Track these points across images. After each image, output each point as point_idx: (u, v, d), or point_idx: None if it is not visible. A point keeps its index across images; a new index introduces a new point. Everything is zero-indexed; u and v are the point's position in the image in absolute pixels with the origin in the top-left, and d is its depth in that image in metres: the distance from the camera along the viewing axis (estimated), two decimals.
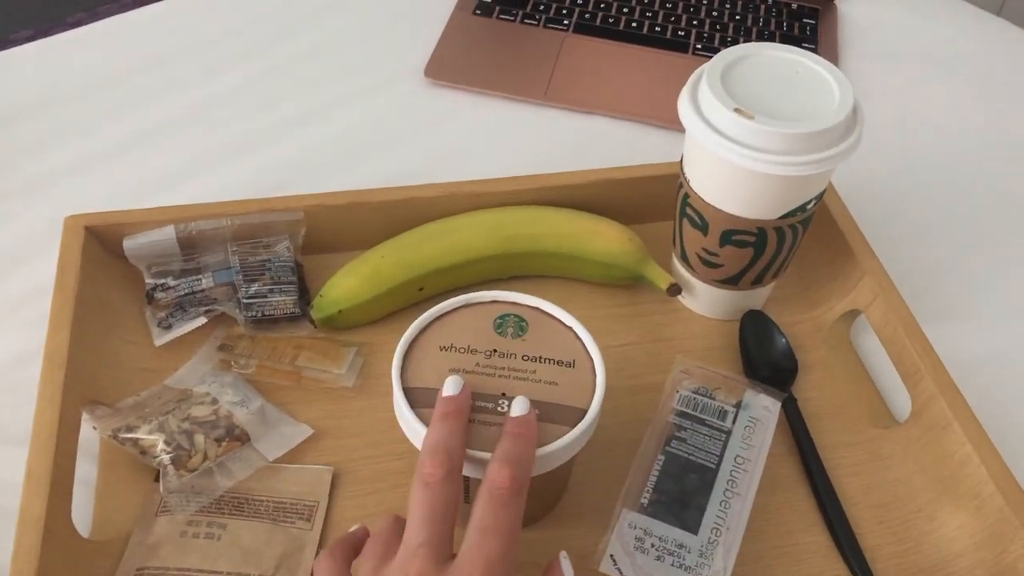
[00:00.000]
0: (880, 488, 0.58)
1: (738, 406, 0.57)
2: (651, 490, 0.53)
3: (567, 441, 0.47)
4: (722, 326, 0.66)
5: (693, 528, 0.51)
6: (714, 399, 0.57)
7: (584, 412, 0.48)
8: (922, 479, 0.58)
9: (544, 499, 0.55)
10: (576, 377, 0.50)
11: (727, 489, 0.53)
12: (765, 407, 0.57)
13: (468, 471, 0.46)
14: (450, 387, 0.47)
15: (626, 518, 0.52)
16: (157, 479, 0.54)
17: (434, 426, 0.45)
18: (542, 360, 0.50)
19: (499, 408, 0.48)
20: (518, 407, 0.46)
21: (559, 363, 0.50)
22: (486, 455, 0.45)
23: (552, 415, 0.48)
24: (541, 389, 0.49)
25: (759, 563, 0.54)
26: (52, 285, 0.60)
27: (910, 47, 0.94)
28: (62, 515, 0.51)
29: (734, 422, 0.56)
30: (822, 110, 0.55)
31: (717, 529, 0.52)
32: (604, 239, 0.65)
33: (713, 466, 0.54)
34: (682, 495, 0.53)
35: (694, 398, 0.57)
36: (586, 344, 0.51)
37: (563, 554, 0.45)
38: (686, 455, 0.54)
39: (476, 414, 0.47)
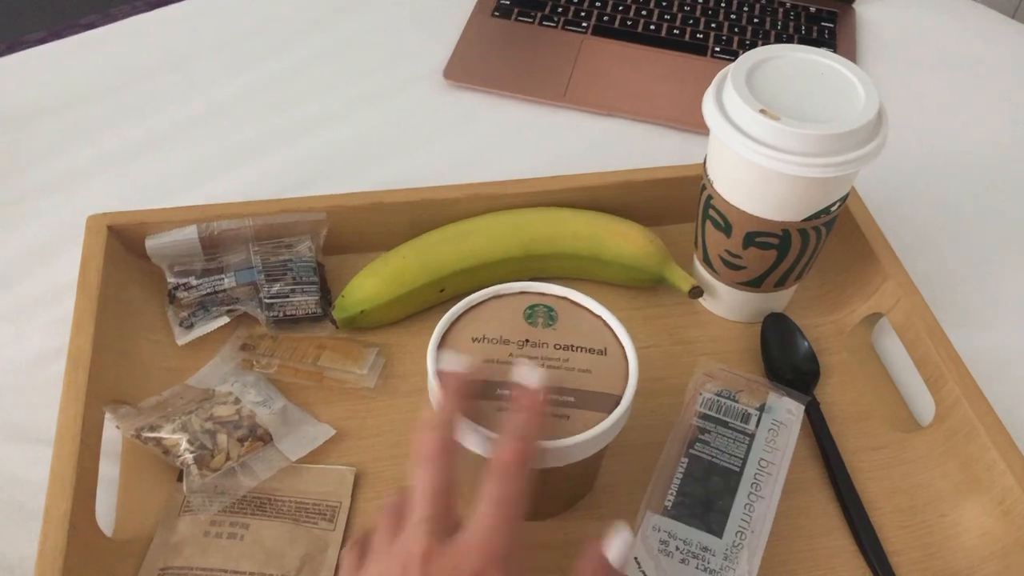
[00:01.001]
0: (903, 493, 0.57)
1: (761, 409, 0.56)
2: (675, 493, 0.53)
3: (604, 428, 0.47)
4: (744, 329, 0.66)
5: (718, 531, 0.51)
6: (737, 402, 0.56)
7: (619, 399, 0.49)
8: (946, 484, 0.57)
9: (577, 487, 0.55)
10: (608, 364, 0.50)
11: (751, 492, 0.53)
12: (788, 410, 0.57)
13: None
14: (450, 363, 0.48)
15: (650, 521, 0.52)
16: (180, 479, 0.54)
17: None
18: (574, 348, 0.51)
19: None
20: (527, 374, 0.47)
21: (591, 351, 0.51)
22: None
23: (587, 402, 0.48)
24: (575, 377, 0.49)
25: (782, 567, 0.54)
26: (73, 284, 0.60)
27: (928, 51, 0.94)
28: (86, 514, 0.51)
29: (758, 425, 0.56)
30: (847, 112, 0.54)
31: (742, 532, 0.52)
32: (625, 241, 0.65)
33: (737, 469, 0.54)
34: (706, 498, 0.53)
35: (717, 400, 0.56)
36: (616, 332, 0.52)
37: (621, 527, 0.44)
38: (710, 458, 0.54)
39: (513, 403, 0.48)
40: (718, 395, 0.57)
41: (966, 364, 0.58)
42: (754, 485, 0.53)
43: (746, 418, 0.56)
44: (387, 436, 0.58)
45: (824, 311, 0.67)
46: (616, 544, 0.43)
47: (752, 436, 0.55)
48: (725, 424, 0.55)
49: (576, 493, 0.56)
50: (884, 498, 0.57)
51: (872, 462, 0.59)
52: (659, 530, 0.51)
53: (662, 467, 0.55)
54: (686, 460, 0.54)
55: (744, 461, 0.54)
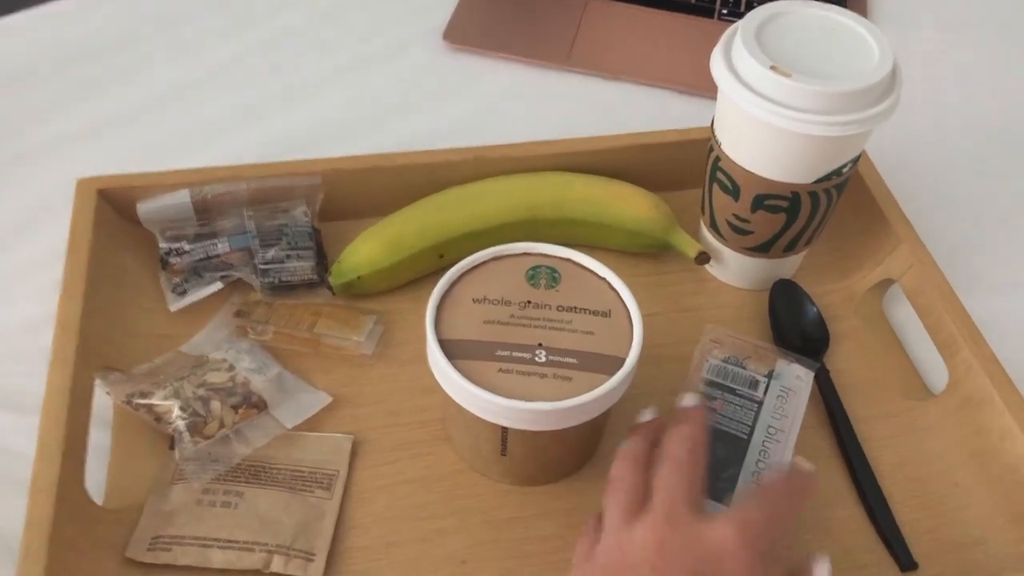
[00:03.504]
0: (915, 462, 0.56)
1: (770, 376, 0.55)
2: None
3: (607, 389, 0.46)
4: (751, 296, 0.64)
5: (724, 499, 0.50)
6: (745, 368, 0.55)
7: (623, 361, 0.48)
8: (959, 453, 0.56)
9: (581, 452, 0.54)
10: (613, 326, 0.49)
11: (759, 460, 0.51)
12: (798, 376, 0.55)
13: (504, 419, 0.46)
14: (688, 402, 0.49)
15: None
16: (172, 446, 0.52)
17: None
18: (577, 310, 0.50)
19: (536, 358, 0.47)
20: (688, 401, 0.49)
21: (594, 313, 0.50)
22: (525, 404, 0.45)
23: (591, 364, 0.47)
24: (578, 339, 0.48)
25: (792, 537, 0.52)
26: (64, 250, 0.58)
27: (942, 9, 0.91)
28: (75, 483, 0.49)
29: (766, 392, 0.54)
30: (861, 69, 0.52)
31: None
32: (631, 206, 0.63)
33: (745, 436, 0.52)
34: (714, 466, 0.51)
35: (724, 367, 0.55)
36: (620, 293, 0.51)
37: (822, 560, 0.43)
38: (717, 425, 0.53)
39: (513, 364, 0.47)
40: (725, 361, 0.55)
41: (980, 330, 0.57)
42: (762, 452, 0.52)
43: (754, 384, 0.54)
44: (385, 404, 0.57)
45: (834, 277, 0.65)
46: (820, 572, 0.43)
47: (760, 403, 0.53)
48: (733, 391, 0.54)
49: (579, 458, 0.54)
50: (895, 467, 0.56)
51: (883, 430, 0.57)
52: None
53: None
54: None
55: (752, 428, 0.53)
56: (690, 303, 0.64)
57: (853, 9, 0.88)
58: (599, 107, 0.79)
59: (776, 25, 0.55)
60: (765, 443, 0.52)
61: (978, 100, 0.82)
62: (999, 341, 0.58)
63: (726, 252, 0.63)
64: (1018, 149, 0.78)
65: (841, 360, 0.61)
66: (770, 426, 0.53)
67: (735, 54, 0.54)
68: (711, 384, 0.54)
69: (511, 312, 0.50)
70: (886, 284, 0.64)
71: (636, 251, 0.65)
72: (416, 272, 0.63)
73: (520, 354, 0.48)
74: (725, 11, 0.87)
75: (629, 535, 0.42)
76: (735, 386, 0.54)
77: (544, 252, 0.53)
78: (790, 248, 0.61)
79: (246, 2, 0.87)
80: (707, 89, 0.77)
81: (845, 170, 0.56)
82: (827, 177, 0.56)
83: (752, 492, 0.45)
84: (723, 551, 0.40)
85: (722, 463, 0.51)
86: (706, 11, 0.87)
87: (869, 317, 0.63)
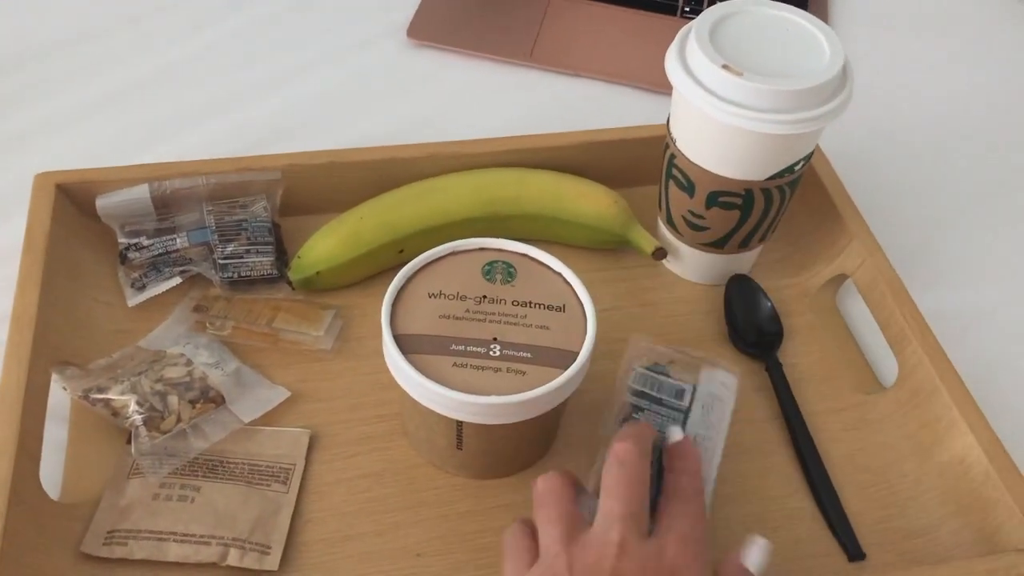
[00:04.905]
0: (865, 453, 0.57)
1: (695, 383, 0.53)
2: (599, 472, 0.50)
3: (560, 382, 0.47)
4: (708, 291, 0.65)
5: (650, 510, 0.47)
6: (669, 376, 0.53)
7: (576, 355, 0.48)
8: (909, 444, 0.57)
9: (538, 444, 0.55)
10: (567, 321, 0.50)
11: None
12: (722, 383, 0.53)
13: (459, 413, 0.47)
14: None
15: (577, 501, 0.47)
16: (129, 441, 0.52)
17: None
18: (532, 305, 0.50)
19: (491, 352, 0.48)
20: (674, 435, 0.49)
21: (549, 307, 0.50)
22: (479, 398, 0.46)
23: (545, 358, 0.48)
24: (532, 333, 0.49)
25: (741, 528, 0.53)
26: (20, 246, 0.58)
27: (900, 9, 0.93)
28: (30, 478, 0.49)
29: (692, 400, 0.53)
30: (811, 67, 0.53)
31: None
32: (589, 201, 0.64)
33: None
34: None
35: (649, 376, 0.53)
36: (575, 288, 0.51)
37: (757, 536, 0.45)
38: None
39: (467, 359, 0.48)
40: (649, 369, 0.54)
41: (930, 325, 0.58)
42: None
43: (680, 394, 0.53)
44: (344, 399, 0.57)
45: (789, 273, 0.66)
46: (754, 552, 0.44)
47: (686, 412, 0.52)
48: (659, 401, 0.52)
49: (535, 451, 0.55)
50: (846, 459, 0.57)
51: (835, 423, 0.58)
52: (586, 509, 0.46)
53: (598, 445, 0.51)
54: None
55: None
56: (648, 298, 0.65)
57: (814, 7, 0.90)
58: (562, 103, 0.80)
59: (729, 24, 0.56)
60: None
61: (933, 98, 0.84)
62: (949, 335, 0.59)
63: (682, 248, 0.64)
64: (970, 146, 0.79)
65: (795, 354, 0.62)
66: (696, 434, 0.51)
67: (689, 53, 0.55)
68: (637, 394, 0.53)
69: (466, 307, 0.50)
70: (840, 279, 0.65)
71: (594, 247, 0.66)
72: (375, 267, 0.63)
73: (475, 348, 0.48)
74: (688, 9, 0.88)
75: (577, 557, 0.41)
76: (661, 395, 0.52)
77: (500, 247, 0.53)
78: (745, 244, 0.62)
79: None
80: (666, 86, 0.77)
81: (798, 167, 0.57)
82: (780, 174, 0.56)
83: (673, 498, 0.45)
84: (676, 567, 0.41)
85: (652, 475, 0.49)
86: (669, 8, 0.88)
87: (823, 312, 0.64)
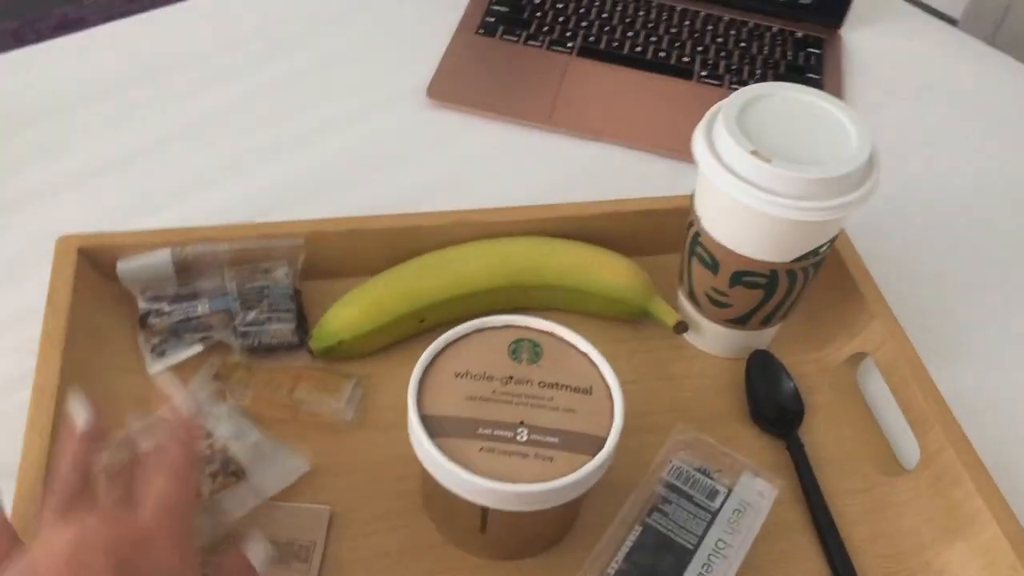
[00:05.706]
0: (888, 537, 0.57)
1: (731, 488, 0.53)
2: (621, 560, 0.50)
3: (588, 471, 0.47)
4: (728, 364, 0.65)
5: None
6: (710, 477, 0.54)
7: (603, 440, 0.48)
8: (931, 530, 0.57)
9: (563, 523, 0.54)
10: (594, 404, 0.50)
11: (701, 573, 0.50)
12: (759, 492, 0.54)
13: (486, 499, 0.46)
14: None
15: None
16: None
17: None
18: (559, 387, 0.50)
19: (518, 437, 0.48)
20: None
21: (576, 389, 0.50)
22: (507, 486, 0.45)
23: (572, 444, 0.48)
24: (559, 417, 0.49)
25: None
26: (40, 307, 0.58)
27: (915, 79, 0.93)
28: None
29: (723, 503, 0.53)
30: (839, 154, 0.54)
31: None
32: (610, 273, 0.64)
33: (691, 547, 0.51)
34: (652, 572, 0.50)
35: (687, 471, 0.54)
36: (601, 369, 0.51)
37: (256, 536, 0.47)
38: (665, 530, 0.52)
39: (494, 443, 0.47)
40: (689, 466, 0.54)
41: (952, 404, 0.58)
42: (705, 566, 0.50)
43: (713, 495, 0.53)
44: (364, 472, 0.57)
45: (810, 348, 0.66)
46: (257, 547, 0.46)
47: (715, 514, 0.52)
48: (689, 498, 0.52)
49: (558, 532, 0.55)
50: (868, 542, 0.56)
51: (856, 505, 0.58)
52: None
53: (615, 530, 0.52)
54: (640, 528, 0.52)
55: (700, 539, 0.51)
56: (669, 371, 0.64)
57: (829, 74, 0.90)
58: (580, 167, 0.80)
59: (757, 107, 0.56)
60: (711, 556, 0.51)
61: (952, 170, 0.84)
62: (971, 414, 0.59)
63: (704, 322, 0.64)
64: (991, 218, 0.80)
65: (815, 432, 0.62)
66: (720, 539, 0.51)
67: (716, 135, 0.55)
68: (668, 487, 0.53)
69: (493, 387, 0.50)
70: (860, 357, 0.65)
71: (616, 317, 0.66)
72: (397, 336, 0.63)
73: (502, 432, 0.48)
74: (704, 73, 0.89)
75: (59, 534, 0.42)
76: (692, 493, 0.53)
77: (527, 325, 0.53)
78: (767, 321, 0.62)
79: (231, 56, 0.87)
80: (685, 152, 0.77)
81: (823, 250, 0.57)
82: (805, 257, 0.57)
83: (150, 464, 0.45)
84: (150, 533, 0.42)
85: (662, 571, 0.50)
86: (685, 72, 0.89)
87: (843, 390, 0.64)
